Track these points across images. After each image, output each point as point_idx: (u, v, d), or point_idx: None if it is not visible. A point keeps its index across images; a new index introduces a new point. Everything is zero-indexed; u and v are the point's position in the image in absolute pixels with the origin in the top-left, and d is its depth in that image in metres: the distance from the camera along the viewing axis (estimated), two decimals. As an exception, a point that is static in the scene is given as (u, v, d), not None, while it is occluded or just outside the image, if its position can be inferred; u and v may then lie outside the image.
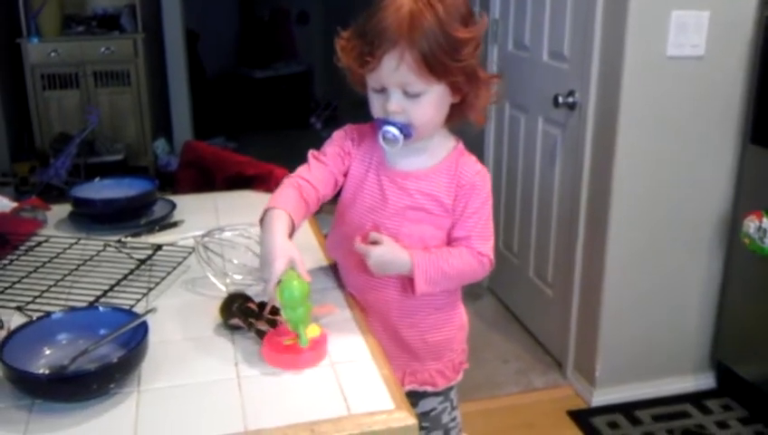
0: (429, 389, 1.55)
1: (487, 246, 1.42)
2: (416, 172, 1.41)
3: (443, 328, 1.52)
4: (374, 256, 1.36)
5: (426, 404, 1.59)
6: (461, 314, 1.58)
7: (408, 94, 1.31)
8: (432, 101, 1.33)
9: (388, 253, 1.36)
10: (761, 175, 2.44)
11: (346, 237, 1.44)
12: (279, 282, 1.22)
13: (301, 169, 1.43)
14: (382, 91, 1.33)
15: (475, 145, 3.54)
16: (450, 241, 1.43)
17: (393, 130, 1.33)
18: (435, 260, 1.38)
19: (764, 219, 2.37)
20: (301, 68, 7.33)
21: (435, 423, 1.61)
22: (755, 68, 2.46)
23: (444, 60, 1.28)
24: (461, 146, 1.46)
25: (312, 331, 1.24)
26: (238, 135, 6.41)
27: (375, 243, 1.37)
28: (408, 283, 1.41)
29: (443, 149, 1.43)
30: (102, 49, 5.12)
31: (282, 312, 1.24)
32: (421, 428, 1.58)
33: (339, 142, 1.46)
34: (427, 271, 1.37)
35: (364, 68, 1.30)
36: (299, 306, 1.22)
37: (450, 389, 1.61)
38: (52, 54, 5.02)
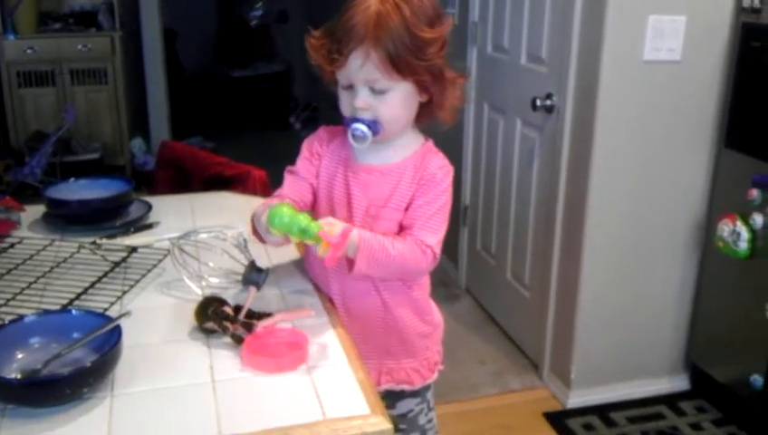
0: (406, 387, 1.56)
1: (432, 239, 1.40)
2: (380, 167, 1.43)
3: (419, 325, 1.53)
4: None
5: (403, 406, 1.59)
6: (436, 313, 1.59)
7: (374, 91, 1.34)
8: (398, 99, 1.36)
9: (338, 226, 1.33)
10: (735, 179, 2.46)
11: None
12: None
13: (278, 190, 1.49)
14: (350, 88, 1.36)
15: (453, 146, 3.55)
16: (399, 230, 1.43)
17: (361, 127, 1.36)
18: (379, 241, 1.35)
19: (738, 223, 2.39)
20: (280, 67, 7.30)
21: (412, 425, 1.62)
22: (731, 73, 2.48)
23: (409, 58, 1.31)
24: (430, 144, 1.47)
25: (317, 229, 1.27)
26: (216, 135, 6.38)
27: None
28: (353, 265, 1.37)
29: (411, 146, 1.45)
30: (79, 46, 5.07)
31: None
32: (398, 430, 1.59)
33: (307, 148, 1.51)
34: (371, 251, 1.34)
35: (332, 65, 1.34)
36: (294, 225, 1.26)
37: (427, 390, 1.62)
38: (29, 51, 4.97)
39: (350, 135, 1.37)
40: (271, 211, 1.29)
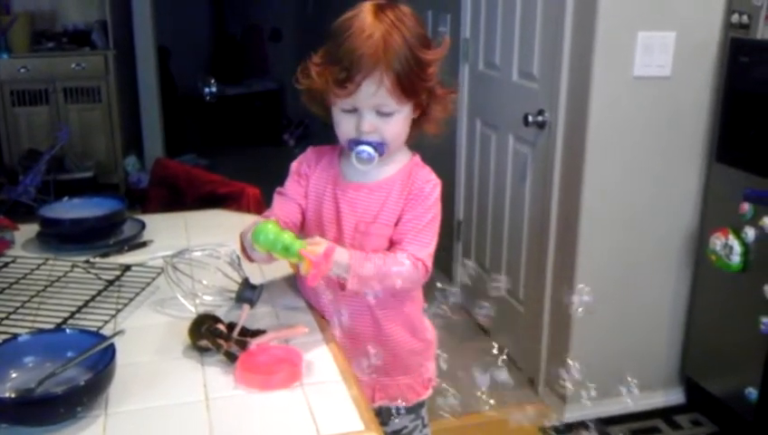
0: (400, 404, 1.56)
1: (423, 252, 1.40)
2: (368, 184, 1.44)
3: (411, 342, 1.53)
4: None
5: (397, 423, 1.59)
6: (429, 329, 1.59)
7: (380, 113, 1.35)
8: (402, 119, 1.38)
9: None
10: (726, 193, 2.48)
11: None
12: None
13: (267, 211, 1.50)
14: (353, 111, 1.36)
15: (446, 162, 3.57)
16: (390, 245, 1.43)
17: (368, 150, 1.36)
18: (370, 259, 1.35)
19: (730, 236, 2.41)
20: (273, 85, 7.33)
21: None
22: (720, 88, 2.50)
23: (414, 80, 1.34)
24: (416, 158, 1.48)
25: (299, 247, 1.27)
26: (210, 152, 6.39)
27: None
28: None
29: (399, 161, 1.46)
30: (73, 65, 5.09)
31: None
32: (393, 447, 1.59)
33: (295, 169, 1.52)
34: (362, 270, 1.34)
35: (343, 93, 1.32)
36: (278, 242, 1.27)
37: (421, 406, 1.62)
38: (22, 71, 4.98)
39: (354, 158, 1.38)
40: (256, 228, 1.29)
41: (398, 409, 1.57)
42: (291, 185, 1.51)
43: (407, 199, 1.41)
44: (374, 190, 1.43)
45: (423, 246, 1.41)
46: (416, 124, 1.44)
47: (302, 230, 1.51)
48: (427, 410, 1.65)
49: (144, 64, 5.63)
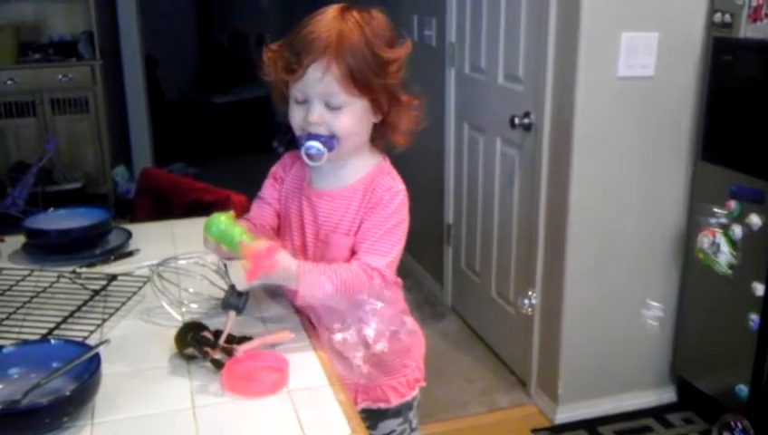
0: (383, 405, 1.55)
1: (379, 262, 1.36)
2: (330, 192, 1.43)
3: (393, 344, 1.52)
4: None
5: (384, 427, 1.58)
6: (411, 329, 1.56)
7: (329, 106, 1.34)
8: (353, 114, 1.35)
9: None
10: (712, 191, 2.49)
11: None
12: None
13: (246, 214, 1.52)
14: (304, 103, 1.36)
15: (435, 166, 3.58)
16: (351, 255, 1.42)
17: (316, 145, 1.35)
18: (320, 270, 1.34)
19: (717, 234, 2.42)
20: (261, 92, 7.30)
21: None
22: (704, 87, 2.52)
23: (368, 75, 1.32)
24: (384, 164, 1.45)
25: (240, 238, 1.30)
26: (199, 161, 6.38)
27: None
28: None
29: (363, 167, 1.44)
30: (60, 76, 5.07)
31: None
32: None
33: (272, 173, 1.54)
34: (312, 280, 1.32)
35: (290, 75, 1.33)
36: (228, 235, 1.31)
37: (409, 409, 1.60)
38: (9, 82, 4.96)
39: (303, 154, 1.36)
40: (208, 219, 1.32)
41: (381, 410, 1.56)
42: (267, 189, 1.53)
43: (366, 208, 1.40)
44: (335, 198, 1.42)
45: (380, 255, 1.37)
46: (379, 131, 1.43)
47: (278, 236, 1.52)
48: (416, 415, 1.65)
49: (131, 74, 5.63)
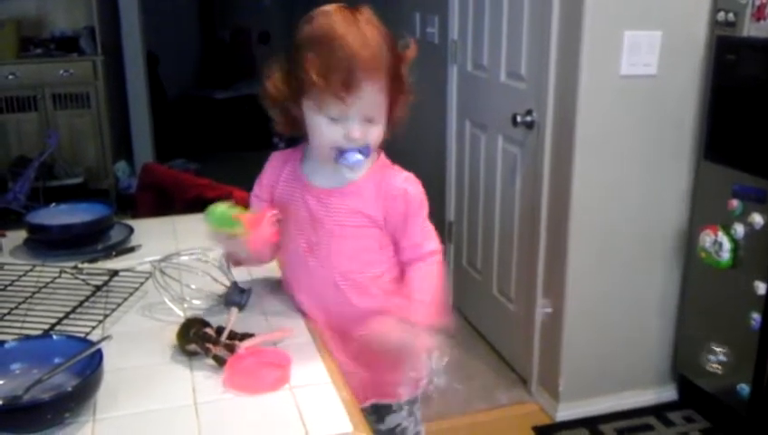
0: (391, 401, 1.56)
1: (435, 243, 1.46)
2: (339, 189, 1.43)
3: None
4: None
5: (392, 420, 1.59)
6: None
7: (368, 119, 1.34)
8: (382, 123, 1.37)
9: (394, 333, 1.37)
10: (714, 190, 2.49)
11: (288, 260, 1.51)
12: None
13: None
14: (338, 120, 1.33)
15: (436, 163, 3.57)
16: (399, 251, 1.46)
17: (360, 157, 1.35)
18: (416, 289, 1.42)
19: (719, 233, 2.42)
20: (260, 89, 7.30)
21: None
22: (707, 86, 2.51)
23: (398, 84, 1.35)
24: (383, 158, 1.47)
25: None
26: (200, 157, 6.37)
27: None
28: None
29: (367, 162, 1.44)
30: (61, 71, 5.07)
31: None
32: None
33: (257, 183, 1.54)
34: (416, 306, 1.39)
35: (341, 102, 1.30)
36: (225, 216, 1.35)
37: (414, 403, 1.62)
38: (10, 77, 4.96)
39: (342, 165, 1.36)
40: (208, 208, 1.36)
41: (389, 405, 1.57)
42: (254, 201, 1.53)
43: (389, 204, 1.41)
44: (346, 194, 1.42)
45: (432, 238, 1.47)
46: None
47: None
48: (421, 408, 1.66)
49: (133, 70, 5.62)
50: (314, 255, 1.44)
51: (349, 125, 1.33)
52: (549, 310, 2.72)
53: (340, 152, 1.36)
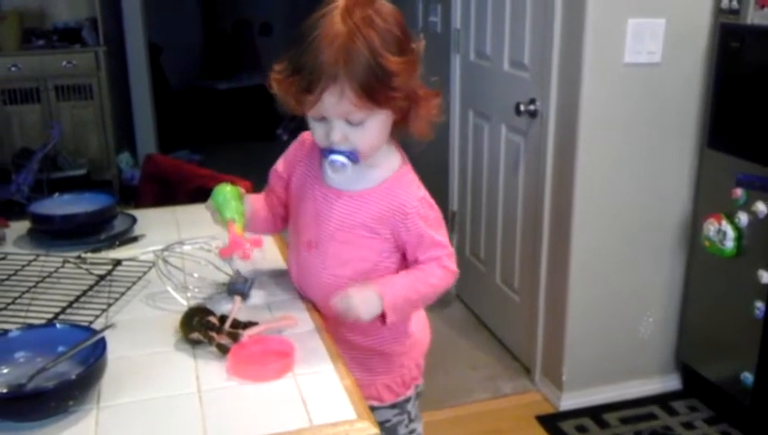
0: (375, 404, 1.53)
1: (453, 259, 1.44)
2: (348, 193, 1.39)
3: (395, 342, 1.52)
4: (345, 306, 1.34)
5: (379, 415, 1.56)
6: (416, 328, 1.57)
7: (350, 123, 1.29)
8: (374, 128, 1.31)
9: (357, 299, 1.33)
10: (718, 179, 2.48)
11: (294, 248, 1.49)
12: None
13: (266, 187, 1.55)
14: (323, 119, 1.30)
15: (440, 153, 3.57)
16: (416, 264, 1.42)
17: (341, 159, 1.31)
18: (402, 292, 1.37)
19: (723, 222, 2.41)
20: (265, 79, 7.30)
21: None
22: (711, 74, 2.50)
23: (382, 89, 1.25)
24: (405, 168, 1.42)
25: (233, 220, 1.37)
26: (203, 147, 6.37)
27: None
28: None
29: (385, 168, 1.40)
30: (64, 63, 5.06)
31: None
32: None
33: (283, 157, 1.52)
34: (395, 304, 1.35)
35: (304, 106, 1.28)
36: (225, 207, 1.38)
37: (407, 401, 1.59)
38: (13, 69, 4.95)
39: (327, 166, 1.34)
40: (218, 186, 1.38)
41: (373, 407, 1.52)
42: (286, 166, 1.51)
43: (399, 221, 1.37)
44: (356, 199, 1.38)
45: (451, 255, 1.44)
46: (398, 126, 1.37)
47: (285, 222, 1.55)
48: (418, 405, 1.64)
49: (135, 61, 5.61)
50: (312, 251, 1.43)
51: (329, 126, 1.30)
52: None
53: (326, 152, 1.33)
